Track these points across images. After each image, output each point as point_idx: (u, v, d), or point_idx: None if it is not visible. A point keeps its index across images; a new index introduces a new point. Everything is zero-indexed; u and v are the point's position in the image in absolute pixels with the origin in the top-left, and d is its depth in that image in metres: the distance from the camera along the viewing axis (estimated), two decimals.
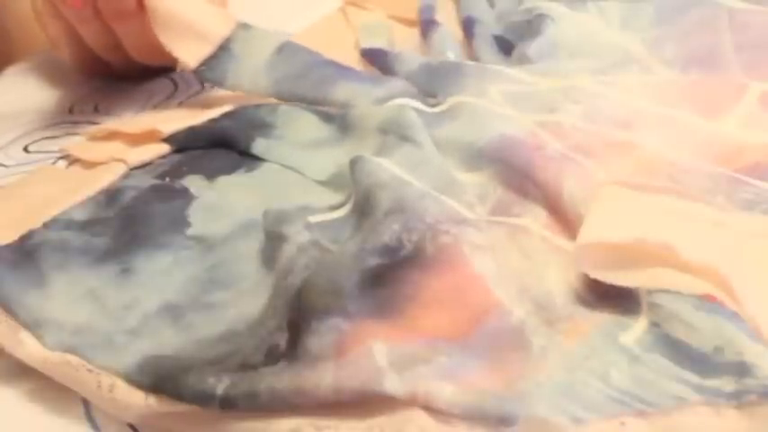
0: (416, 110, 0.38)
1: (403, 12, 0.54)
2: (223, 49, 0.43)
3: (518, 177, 0.33)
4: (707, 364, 0.24)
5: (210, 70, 0.43)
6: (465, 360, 0.25)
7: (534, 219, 0.32)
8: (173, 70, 0.50)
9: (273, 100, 0.42)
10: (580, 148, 0.34)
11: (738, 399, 0.23)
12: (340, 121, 0.39)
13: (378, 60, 0.46)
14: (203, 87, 0.50)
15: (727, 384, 0.24)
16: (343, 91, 0.41)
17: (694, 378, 0.24)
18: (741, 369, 0.24)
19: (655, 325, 0.26)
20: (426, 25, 0.50)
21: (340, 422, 0.24)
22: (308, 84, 0.42)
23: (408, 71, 0.43)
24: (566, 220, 0.31)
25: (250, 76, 0.43)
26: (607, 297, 0.28)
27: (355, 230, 0.32)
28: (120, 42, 0.46)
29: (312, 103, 0.41)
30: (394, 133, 0.36)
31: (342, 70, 0.42)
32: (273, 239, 0.31)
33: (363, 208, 0.32)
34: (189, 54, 0.43)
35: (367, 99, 0.40)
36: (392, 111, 0.38)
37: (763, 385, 0.23)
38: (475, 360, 0.25)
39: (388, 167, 0.34)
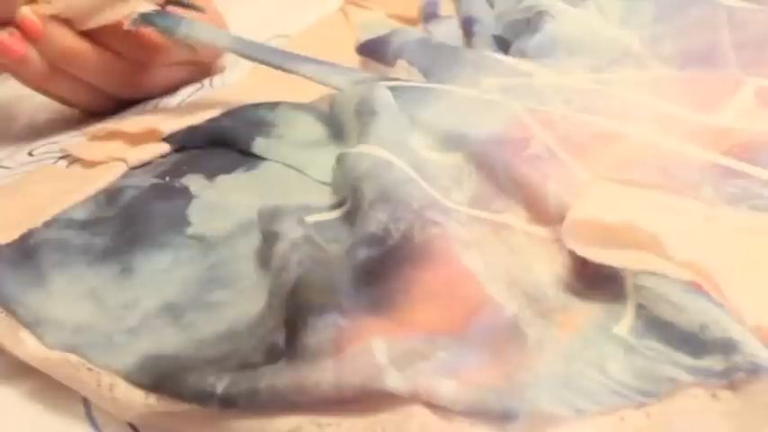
0: (395, 87, 0.38)
1: (403, 10, 0.54)
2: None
3: (499, 177, 0.33)
4: (696, 344, 0.24)
5: (161, 17, 0.43)
6: (464, 354, 0.25)
7: (515, 214, 0.32)
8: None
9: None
10: (568, 139, 0.34)
11: (728, 377, 0.23)
12: (332, 117, 0.39)
13: (373, 47, 0.46)
14: (202, 85, 0.50)
15: (716, 363, 0.24)
16: (311, 68, 0.41)
17: (687, 359, 0.24)
18: (728, 346, 0.24)
19: (642, 307, 0.26)
20: (429, 17, 0.51)
21: (341, 419, 0.24)
22: (275, 54, 0.42)
23: (404, 42, 0.43)
24: (548, 219, 0.31)
25: (208, 31, 0.43)
26: (596, 284, 0.28)
27: (353, 228, 0.32)
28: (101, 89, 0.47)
29: (277, 69, 0.41)
30: (366, 111, 0.37)
31: (311, 57, 0.42)
32: (267, 237, 0.31)
33: (354, 203, 0.32)
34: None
35: (340, 78, 0.40)
36: (366, 91, 0.38)
37: (750, 362, 0.23)
38: (473, 354, 0.25)
39: (368, 152, 0.34)
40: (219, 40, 0.43)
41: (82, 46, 0.45)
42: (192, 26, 0.43)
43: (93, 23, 0.44)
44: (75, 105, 0.49)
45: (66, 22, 0.44)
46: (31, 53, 0.44)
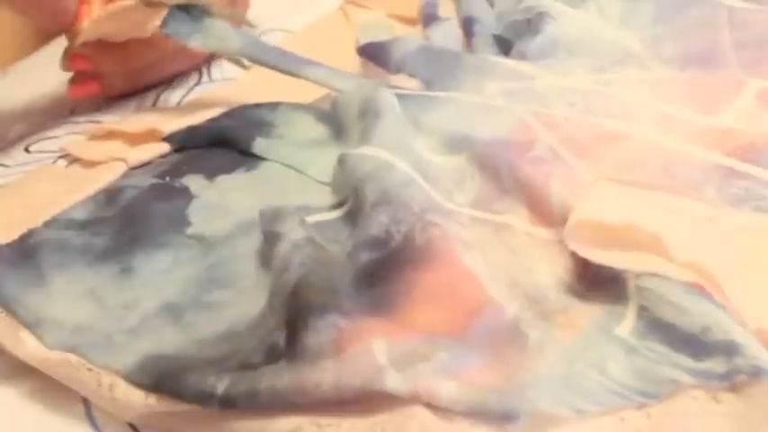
0: (400, 94, 0.38)
1: (403, 10, 0.54)
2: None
3: (502, 178, 0.33)
4: (698, 346, 0.24)
5: (176, 26, 0.43)
6: (464, 356, 0.25)
7: (517, 215, 0.32)
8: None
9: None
10: (571, 140, 0.34)
11: (729, 379, 0.23)
12: (334, 117, 0.39)
13: (374, 52, 0.46)
14: (200, 81, 0.50)
15: (718, 365, 0.24)
16: (321, 72, 0.41)
17: (688, 362, 0.24)
18: (730, 348, 0.24)
19: (643, 309, 0.26)
20: (428, 19, 0.50)
21: (341, 420, 0.24)
22: (282, 58, 0.42)
23: (405, 53, 0.43)
24: (551, 219, 0.31)
25: (219, 38, 0.43)
26: (597, 285, 0.28)
27: (353, 229, 0.32)
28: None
29: (283, 73, 0.42)
30: (369, 113, 0.37)
31: (320, 62, 0.42)
32: (269, 238, 0.31)
33: (355, 205, 0.32)
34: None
35: (345, 82, 0.40)
36: (371, 92, 0.38)
37: (752, 365, 0.23)
38: (474, 355, 0.25)
39: (370, 154, 0.34)
40: (229, 47, 0.43)
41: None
42: (207, 33, 0.43)
43: (122, 38, 0.45)
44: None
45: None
46: (106, 78, 0.47)
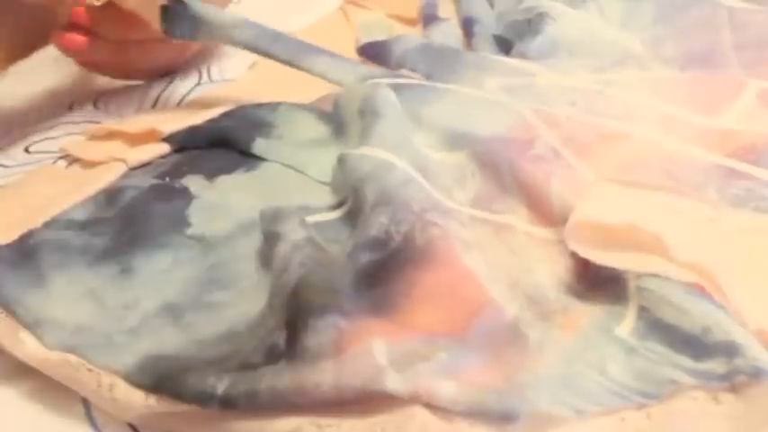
0: (400, 85, 0.38)
1: (403, 10, 0.54)
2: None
3: (503, 176, 0.33)
4: (699, 347, 0.24)
5: (179, 23, 0.43)
6: (464, 356, 0.25)
7: (517, 215, 0.32)
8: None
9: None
10: (573, 139, 0.34)
11: (730, 380, 0.23)
12: (334, 116, 0.40)
13: (375, 51, 0.46)
14: (200, 81, 0.50)
15: (718, 366, 0.24)
16: (322, 62, 0.41)
17: (688, 362, 0.24)
18: (731, 349, 0.24)
19: (644, 309, 0.26)
20: (428, 19, 0.50)
21: (341, 421, 0.24)
22: (285, 46, 0.42)
23: (406, 49, 0.43)
24: (551, 219, 0.31)
25: (220, 28, 0.42)
26: (597, 285, 0.28)
27: (353, 229, 0.32)
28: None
29: (285, 64, 0.41)
30: (369, 112, 0.37)
31: (321, 48, 0.42)
32: (269, 238, 0.31)
33: (355, 205, 0.32)
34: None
35: (346, 75, 0.40)
36: (370, 90, 0.38)
37: (753, 366, 0.23)
38: (474, 356, 0.25)
39: (370, 154, 0.34)
40: (232, 39, 0.42)
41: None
42: (209, 28, 0.42)
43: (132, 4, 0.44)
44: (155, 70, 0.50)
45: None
46: (95, 41, 0.46)
